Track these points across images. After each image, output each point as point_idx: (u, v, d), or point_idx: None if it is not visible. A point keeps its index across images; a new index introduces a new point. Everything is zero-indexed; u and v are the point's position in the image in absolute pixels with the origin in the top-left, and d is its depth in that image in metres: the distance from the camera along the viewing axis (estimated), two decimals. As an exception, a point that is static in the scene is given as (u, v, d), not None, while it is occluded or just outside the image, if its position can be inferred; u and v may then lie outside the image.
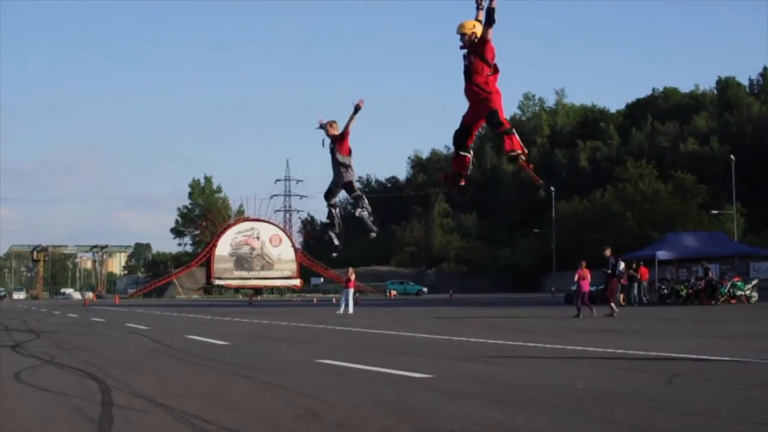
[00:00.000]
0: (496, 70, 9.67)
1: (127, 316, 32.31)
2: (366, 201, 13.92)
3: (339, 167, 13.63)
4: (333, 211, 13.91)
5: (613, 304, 25.86)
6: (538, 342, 13.80)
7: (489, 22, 9.36)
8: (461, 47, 9.89)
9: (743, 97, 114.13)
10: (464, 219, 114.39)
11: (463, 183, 9.74)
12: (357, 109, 13.04)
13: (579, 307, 24.73)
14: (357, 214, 14.14)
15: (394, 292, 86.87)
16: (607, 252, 27.65)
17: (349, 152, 13.66)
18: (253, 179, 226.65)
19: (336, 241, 14.06)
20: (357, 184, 13.87)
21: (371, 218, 13.90)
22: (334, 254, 61.45)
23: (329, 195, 14.06)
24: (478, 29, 9.67)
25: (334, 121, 14.27)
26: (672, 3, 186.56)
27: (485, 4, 9.46)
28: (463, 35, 9.80)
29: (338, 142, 13.46)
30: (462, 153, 9.73)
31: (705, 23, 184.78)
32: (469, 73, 9.66)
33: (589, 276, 25.77)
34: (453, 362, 10.36)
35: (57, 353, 12.66)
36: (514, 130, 9.62)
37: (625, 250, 54.91)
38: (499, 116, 9.63)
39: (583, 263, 25.87)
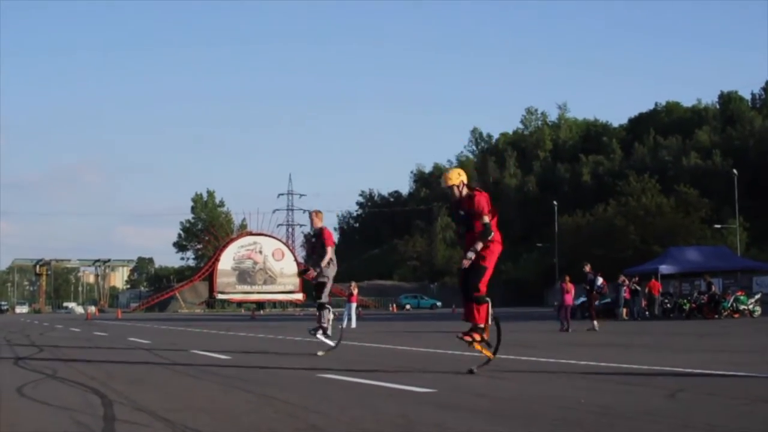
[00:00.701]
0: (494, 214, 9.90)
1: (130, 330, 32.29)
2: (328, 315, 14.41)
3: (319, 258, 14.25)
4: (326, 312, 14.52)
5: (595, 322, 26.23)
6: (538, 356, 13.79)
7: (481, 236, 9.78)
8: (451, 200, 10.13)
9: (746, 111, 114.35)
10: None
11: (486, 336, 10.32)
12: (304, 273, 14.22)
13: (563, 320, 25.37)
14: (310, 331, 14.75)
15: (408, 306, 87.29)
16: (587, 268, 28.32)
17: (334, 243, 14.52)
18: (256, 193, 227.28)
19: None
20: (325, 294, 14.28)
21: (326, 334, 14.41)
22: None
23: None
24: (464, 176, 9.94)
25: (319, 211, 14.73)
26: (674, 17, 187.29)
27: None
28: (450, 188, 9.99)
29: (322, 237, 14.26)
30: (486, 302, 10.08)
31: (707, 37, 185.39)
32: (469, 223, 9.87)
33: (572, 290, 26.51)
34: (453, 376, 10.35)
35: (59, 367, 12.65)
36: (487, 300, 9.91)
37: (627, 264, 55.01)
38: (479, 282, 9.88)
39: (567, 278, 26.70)
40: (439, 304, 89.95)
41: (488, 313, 10.03)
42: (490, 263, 9.99)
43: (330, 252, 14.16)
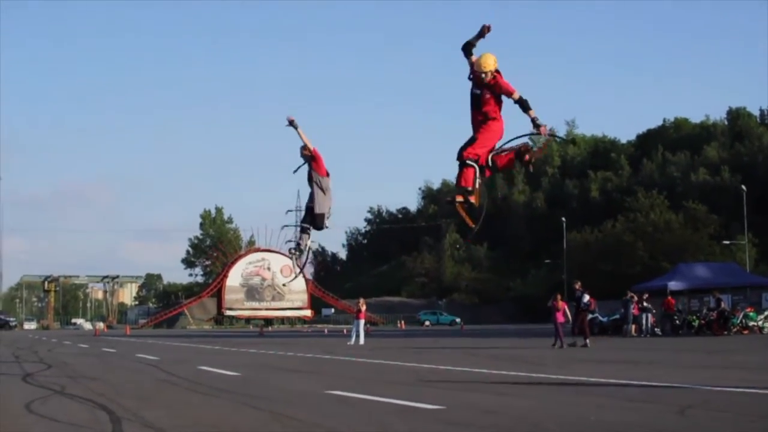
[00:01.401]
0: (500, 99, 9.76)
1: (138, 346, 32.30)
2: (307, 240, 13.42)
3: (317, 190, 13.16)
4: (304, 237, 13.47)
5: (587, 339, 26.69)
6: (547, 373, 13.75)
7: (525, 108, 9.59)
8: (476, 80, 9.90)
9: (754, 127, 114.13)
10: (475, 250, 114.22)
11: (473, 199, 9.74)
12: (291, 123, 12.85)
13: (559, 337, 25.95)
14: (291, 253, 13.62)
15: (427, 323, 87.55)
16: (576, 285, 28.91)
17: (327, 174, 13.19)
18: (264, 210, 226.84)
19: (297, 268, 13.82)
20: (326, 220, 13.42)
21: (297, 257, 13.45)
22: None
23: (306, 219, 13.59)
24: (497, 64, 9.76)
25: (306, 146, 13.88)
26: (682, 33, 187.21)
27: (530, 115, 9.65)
28: (485, 73, 9.82)
29: (314, 162, 12.99)
30: (472, 166, 9.72)
31: (715, 53, 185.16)
32: (479, 104, 9.71)
33: (563, 308, 27.31)
34: (462, 393, 10.33)
35: (68, 383, 12.66)
36: (474, 165, 9.69)
37: (636, 281, 54.79)
38: (475, 145, 9.70)
39: (558, 296, 27.69)
40: (458, 320, 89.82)
41: (475, 177, 9.80)
42: (491, 142, 9.80)
43: (324, 182, 13.13)
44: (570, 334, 27.93)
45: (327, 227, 13.07)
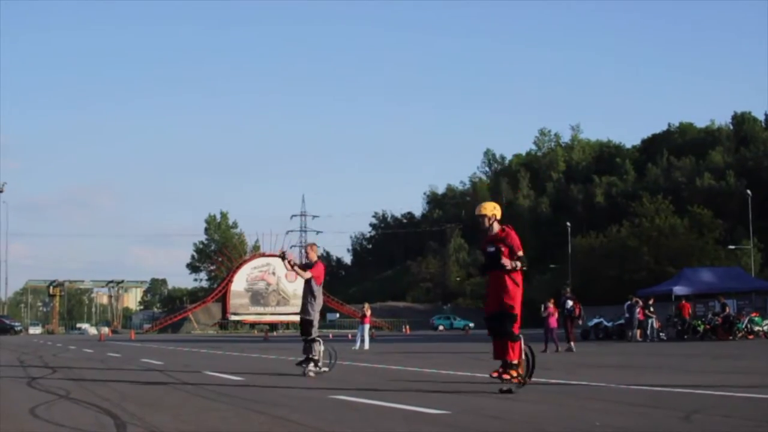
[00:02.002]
0: (522, 264, 9.97)
1: (143, 351, 32.29)
2: (318, 347, 14.18)
3: (309, 297, 14.09)
4: (316, 345, 14.32)
5: (572, 343, 27.30)
6: (552, 377, 13.73)
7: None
8: (482, 228, 10.16)
9: (759, 131, 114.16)
10: (480, 254, 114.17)
11: (522, 373, 10.40)
12: (282, 257, 13.74)
13: (550, 341, 26.69)
14: (297, 365, 14.47)
15: (441, 327, 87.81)
16: (564, 291, 29.94)
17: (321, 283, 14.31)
18: (269, 215, 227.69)
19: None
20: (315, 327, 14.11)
21: (317, 365, 14.18)
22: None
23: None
24: (498, 212, 9.96)
25: (314, 244, 14.66)
26: (686, 38, 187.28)
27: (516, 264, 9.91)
28: (483, 216, 10.03)
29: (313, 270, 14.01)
30: (520, 338, 10.29)
31: (720, 58, 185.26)
32: (494, 261, 9.88)
33: (555, 313, 27.92)
34: (467, 397, 10.31)
35: (72, 388, 12.66)
36: (521, 337, 9.99)
37: (641, 286, 54.79)
38: (513, 326, 9.97)
39: (552, 300, 28.37)
40: (471, 324, 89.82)
41: (521, 350, 10.15)
42: (518, 306, 10.17)
43: (317, 290, 14.25)
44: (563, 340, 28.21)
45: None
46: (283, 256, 13.90)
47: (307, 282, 14.16)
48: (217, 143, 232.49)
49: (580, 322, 32.82)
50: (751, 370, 16.01)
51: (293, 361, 17.28)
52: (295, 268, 14.00)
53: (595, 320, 42.59)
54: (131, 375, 16.65)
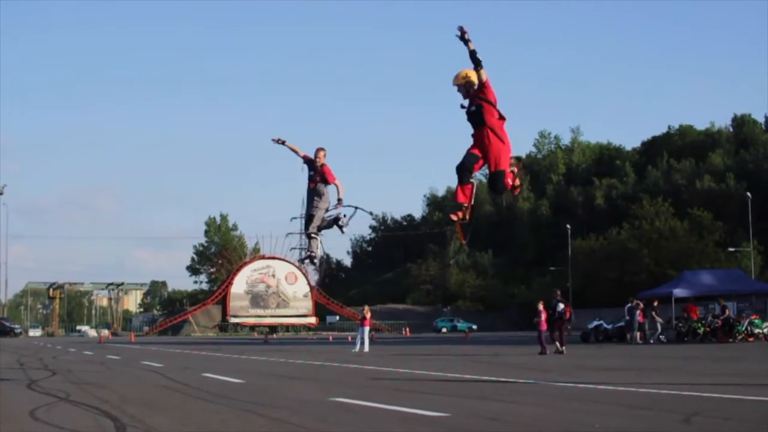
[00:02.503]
0: (502, 117, 9.68)
1: (143, 353, 32.30)
2: (316, 243, 14.03)
3: (321, 196, 13.86)
4: (314, 242, 14.09)
5: (558, 343, 27.45)
6: (552, 380, 13.73)
7: (476, 64, 9.48)
8: (463, 98, 9.92)
9: (759, 134, 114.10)
10: (480, 257, 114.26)
11: (468, 216, 9.78)
12: (279, 142, 13.50)
13: (544, 344, 26.65)
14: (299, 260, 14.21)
15: (444, 330, 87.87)
16: (555, 294, 29.62)
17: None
18: (269, 217, 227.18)
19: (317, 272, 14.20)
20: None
21: (313, 262, 14.06)
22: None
23: (309, 223, 14.21)
24: (472, 75, 9.73)
25: (322, 149, 14.42)
26: (687, 40, 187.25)
27: (468, 48, 9.56)
28: (459, 86, 9.86)
29: (326, 169, 13.77)
30: (471, 182, 9.75)
31: (720, 60, 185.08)
32: (480, 117, 9.65)
33: (544, 316, 27.92)
34: (467, 400, 10.32)
35: (72, 391, 12.67)
36: (472, 182, 9.73)
37: (641, 288, 54.78)
38: (505, 178, 9.71)
39: (541, 303, 28.44)
40: (475, 327, 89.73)
41: (472, 194, 9.86)
42: (507, 152, 9.81)
43: (322, 188, 13.94)
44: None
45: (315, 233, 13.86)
46: (282, 142, 13.88)
47: (313, 182, 13.99)
48: (217, 145, 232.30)
49: (570, 327, 32.84)
50: (751, 373, 16.02)
51: (293, 363, 17.29)
52: (295, 148, 13.94)
53: (595, 322, 42.55)
54: (131, 377, 16.66)
